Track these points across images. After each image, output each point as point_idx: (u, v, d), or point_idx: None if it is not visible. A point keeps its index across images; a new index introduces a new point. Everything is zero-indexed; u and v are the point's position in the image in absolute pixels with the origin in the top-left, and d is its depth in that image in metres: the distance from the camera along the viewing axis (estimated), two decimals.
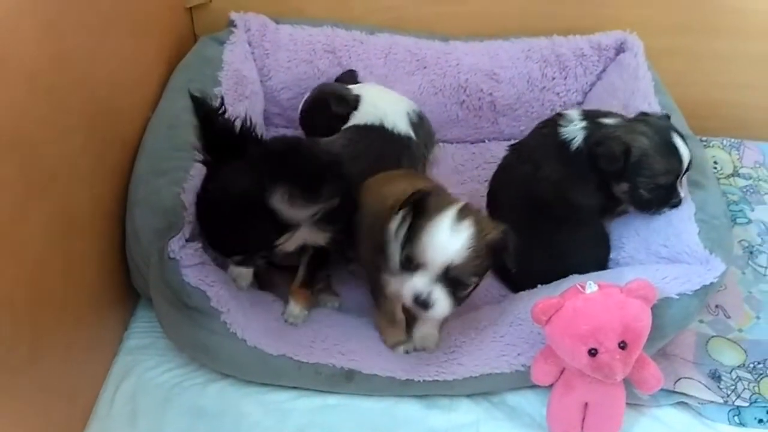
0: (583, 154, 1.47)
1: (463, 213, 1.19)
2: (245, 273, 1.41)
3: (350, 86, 1.79)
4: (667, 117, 1.51)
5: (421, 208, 1.21)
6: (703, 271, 1.31)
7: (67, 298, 1.26)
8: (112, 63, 1.45)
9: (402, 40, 1.89)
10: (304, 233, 1.29)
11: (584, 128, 1.48)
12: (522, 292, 1.45)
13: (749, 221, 1.80)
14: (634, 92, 1.72)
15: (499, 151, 1.88)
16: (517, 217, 1.43)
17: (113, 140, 1.45)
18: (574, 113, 1.53)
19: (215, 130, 1.19)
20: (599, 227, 1.55)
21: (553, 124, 1.54)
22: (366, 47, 1.88)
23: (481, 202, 1.68)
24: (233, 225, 1.20)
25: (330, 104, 1.71)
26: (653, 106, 1.68)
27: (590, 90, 1.88)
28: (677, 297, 1.28)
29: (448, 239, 1.16)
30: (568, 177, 1.49)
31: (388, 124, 1.69)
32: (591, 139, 1.46)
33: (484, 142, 1.97)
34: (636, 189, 1.45)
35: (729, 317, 1.56)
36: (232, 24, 1.85)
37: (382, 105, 1.73)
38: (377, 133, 1.68)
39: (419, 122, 1.77)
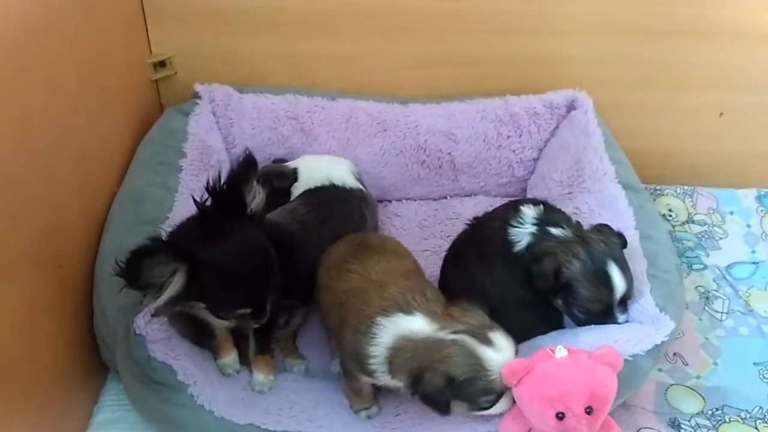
0: (521, 260, 1.44)
1: None
2: (232, 361, 1.45)
3: (287, 163, 1.83)
4: (619, 236, 1.46)
5: None
6: (654, 330, 1.35)
7: (34, 377, 1.28)
8: (79, 142, 1.48)
9: (363, 104, 1.95)
10: None
11: (531, 234, 1.45)
12: None
13: (705, 267, 1.86)
14: (586, 147, 1.78)
15: (460, 207, 1.97)
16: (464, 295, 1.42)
17: (80, 217, 1.48)
18: (529, 213, 1.48)
19: None
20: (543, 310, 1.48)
21: (506, 218, 1.49)
22: (328, 113, 1.93)
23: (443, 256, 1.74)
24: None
25: (272, 181, 1.70)
26: (604, 161, 1.76)
27: (545, 146, 1.94)
28: (630, 358, 1.31)
29: None
30: (508, 278, 1.47)
31: (337, 181, 1.73)
32: (531, 251, 1.43)
33: (446, 198, 2.02)
34: (569, 308, 1.43)
35: (687, 364, 1.60)
36: (196, 95, 1.89)
37: (323, 167, 1.77)
38: (331, 192, 1.71)
39: (360, 178, 1.82)
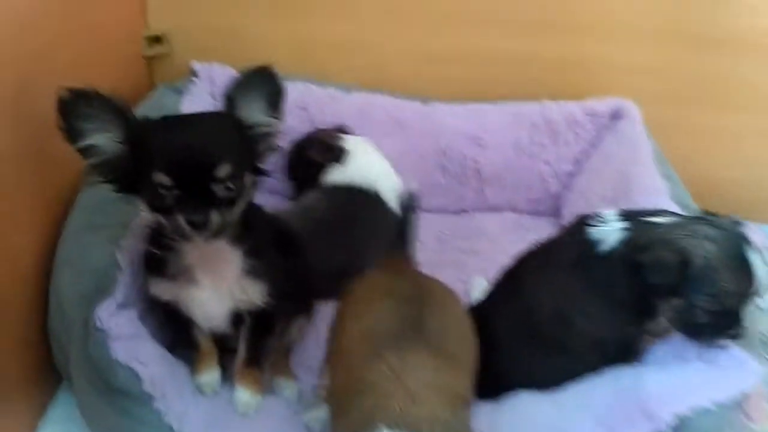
0: (611, 262, 1.15)
1: None
2: (213, 380, 1.22)
3: (345, 137, 1.68)
4: (737, 223, 1.18)
5: None
6: (740, 374, 1.10)
7: None
8: None
9: (379, 99, 1.80)
10: (233, 282, 1.14)
11: (624, 229, 1.17)
12: None
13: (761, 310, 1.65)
14: (634, 161, 1.59)
15: (485, 223, 1.79)
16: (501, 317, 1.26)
17: (44, 198, 1.30)
18: (610, 212, 1.22)
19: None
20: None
21: (581, 221, 1.24)
22: (340, 105, 1.78)
23: (465, 272, 1.56)
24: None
25: (306, 150, 1.58)
26: (654, 178, 1.54)
27: (585, 160, 1.76)
28: (714, 407, 1.05)
29: None
30: (576, 287, 1.19)
31: (383, 194, 1.57)
32: (633, 243, 1.15)
33: (468, 212, 1.83)
34: (691, 309, 1.13)
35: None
36: (193, 73, 1.72)
37: (377, 170, 1.62)
38: (371, 200, 1.57)
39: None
